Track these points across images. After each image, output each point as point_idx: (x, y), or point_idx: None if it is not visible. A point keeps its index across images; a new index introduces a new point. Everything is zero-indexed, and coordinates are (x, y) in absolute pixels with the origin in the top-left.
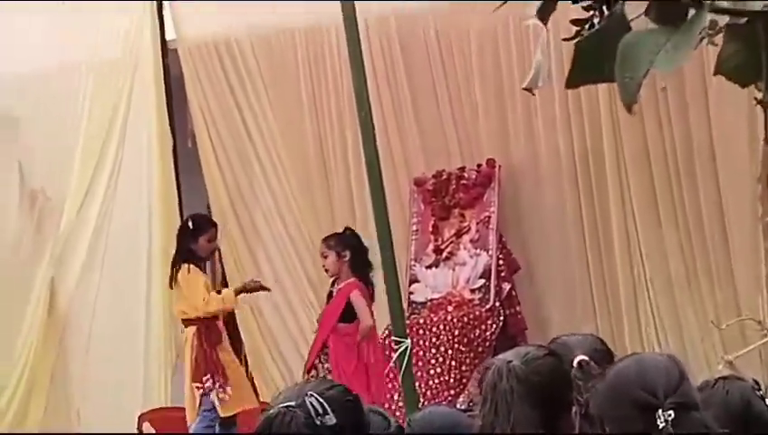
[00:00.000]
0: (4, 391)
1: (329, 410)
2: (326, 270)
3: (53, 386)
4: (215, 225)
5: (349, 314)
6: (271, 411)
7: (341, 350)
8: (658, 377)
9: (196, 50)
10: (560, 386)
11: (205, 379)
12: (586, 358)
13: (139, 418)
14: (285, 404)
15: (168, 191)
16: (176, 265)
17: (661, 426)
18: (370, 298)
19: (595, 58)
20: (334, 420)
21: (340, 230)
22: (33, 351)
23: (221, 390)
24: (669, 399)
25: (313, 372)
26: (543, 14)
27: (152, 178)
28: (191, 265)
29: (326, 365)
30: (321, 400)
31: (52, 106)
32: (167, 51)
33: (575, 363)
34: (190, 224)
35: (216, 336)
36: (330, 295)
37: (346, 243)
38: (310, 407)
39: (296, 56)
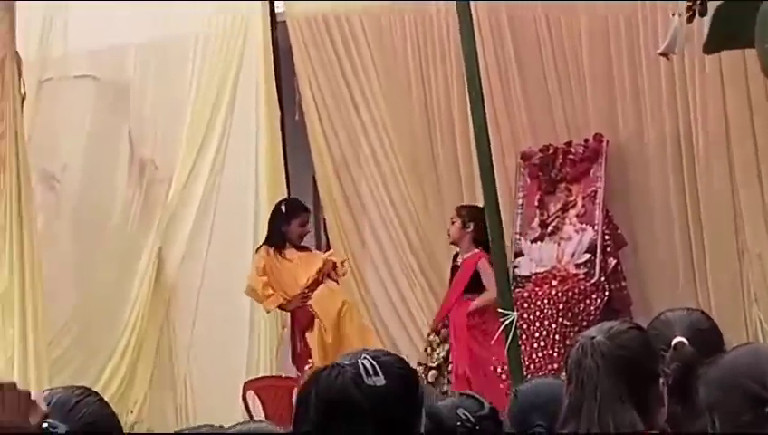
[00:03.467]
0: (112, 357)
1: (379, 371)
2: (448, 234)
3: (159, 355)
4: (307, 210)
5: (472, 286)
6: (319, 368)
7: (462, 320)
8: None
9: (305, 23)
10: (645, 358)
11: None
12: (683, 340)
13: (244, 386)
14: (335, 362)
15: (275, 163)
16: (269, 243)
17: None
18: None
19: (733, 24)
20: (384, 382)
21: (446, 205)
22: (141, 319)
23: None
24: None
25: (433, 337)
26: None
27: (260, 149)
28: (268, 248)
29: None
30: (374, 362)
31: (162, 76)
32: (276, 23)
33: (672, 345)
34: (283, 208)
35: (302, 321)
36: (454, 269)
37: (474, 215)
38: (361, 367)
39: (405, 31)
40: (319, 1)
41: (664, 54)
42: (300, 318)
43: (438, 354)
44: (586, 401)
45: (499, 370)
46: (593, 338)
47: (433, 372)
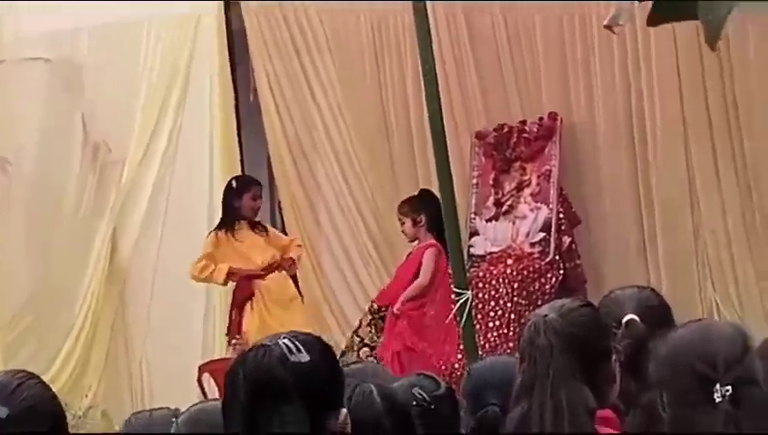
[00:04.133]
0: (66, 341)
1: (301, 348)
2: (405, 234)
3: (114, 338)
4: (258, 183)
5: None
6: (246, 351)
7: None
8: (720, 349)
9: (259, 6)
10: (597, 335)
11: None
12: (634, 317)
13: (200, 369)
14: (259, 344)
15: (230, 145)
16: (220, 226)
17: (719, 400)
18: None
19: None
20: (308, 358)
21: (401, 186)
22: (95, 302)
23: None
24: (729, 373)
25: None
26: None
27: (214, 131)
28: (218, 232)
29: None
30: (295, 341)
31: (115, 58)
32: (229, 4)
33: (623, 322)
34: (234, 183)
35: (241, 293)
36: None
37: (419, 207)
38: (283, 346)
39: (359, 14)
40: None
41: (608, 27)
42: (242, 288)
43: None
44: (538, 378)
45: (443, 366)
46: (545, 316)
47: (366, 349)
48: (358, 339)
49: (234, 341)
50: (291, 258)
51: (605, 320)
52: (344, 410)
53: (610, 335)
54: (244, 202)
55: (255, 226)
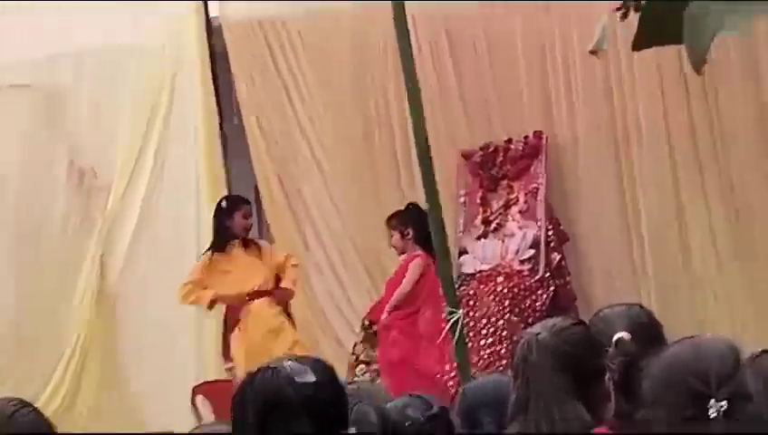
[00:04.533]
0: (58, 365)
1: (308, 370)
2: (394, 248)
3: (106, 360)
4: (247, 202)
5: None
6: (251, 371)
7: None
8: (713, 364)
9: (240, 27)
10: (590, 354)
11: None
12: (624, 335)
13: (193, 390)
14: (266, 366)
15: (215, 168)
16: (213, 248)
17: (713, 416)
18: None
19: (661, 21)
20: (314, 378)
21: (387, 205)
22: (85, 327)
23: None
24: (723, 388)
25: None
26: None
27: (199, 155)
28: (211, 255)
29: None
30: (299, 362)
31: (98, 83)
32: (211, 28)
33: (613, 340)
34: (224, 203)
35: (233, 319)
36: None
37: (407, 220)
38: (289, 368)
39: (341, 32)
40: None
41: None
42: (234, 313)
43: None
44: (533, 396)
45: (438, 374)
46: (538, 334)
47: (362, 366)
48: (353, 357)
49: (228, 365)
50: (289, 290)
51: (595, 338)
52: (353, 430)
53: (603, 353)
54: (236, 221)
55: (248, 244)
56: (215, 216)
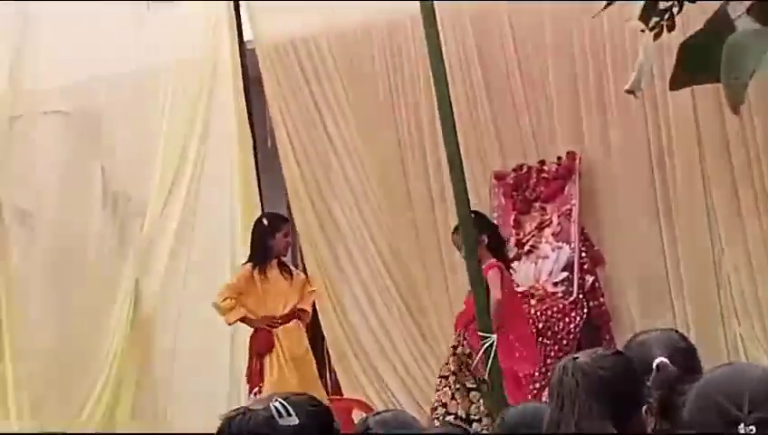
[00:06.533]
0: (92, 392)
1: (291, 411)
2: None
3: (140, 387)
4: (288, 220)
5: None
6: (231, 412)
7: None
8: (747, 389)
9: (273, 49)
10: (627, 383)
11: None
12: (665, 360)
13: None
14: (247, 407)
15: (249, 191)
16: (254, 264)
17: None
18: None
19: (700, 58)
20: (297, 421)
21: (420, 226)
22: (120, 352)
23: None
24: (754, 414)
25: (460, 349)
26: (646, 16)
27: (233, 178)
28: (252, 269)
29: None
30: (285, 403)
31: (133, 109)
32: (245, 51)
33: (654, 365)
34: (265, 221)
35: (260, 345)
36: None
37: (481, 228)
38: (273, 409)
39: (373, 53)
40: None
41: (630, 92)
42: (260, 339)
43: (452, 365)
44: (564, 416)
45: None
46: (576, 358)
47: (442, 380)
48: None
49: (256, 389)
50: (307, 312)
51: (636, 368)
52: None
53: (641, 385)
54: (278, 240)
55: (283, 267)
56: (256, 233)
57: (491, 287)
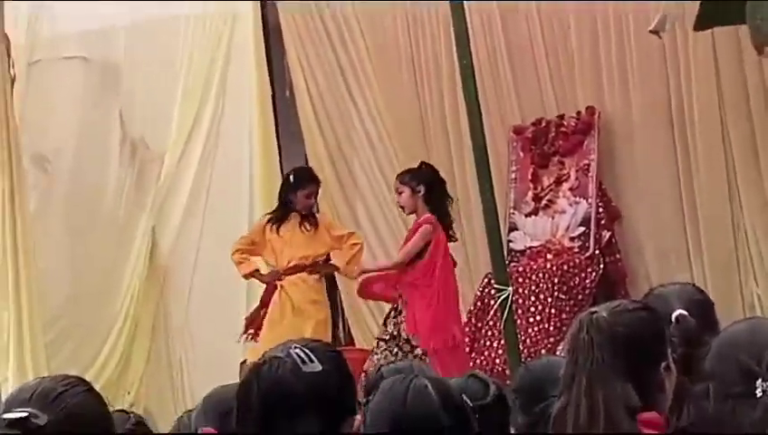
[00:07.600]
0: (108, 339)
1: (313, 358)
2: (402, 207)
3: (155, 335)
4: (315, 181)
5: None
6: (258, 360)
7: (410, 286)
8: (766, 345)
9: (295, 4)
10: (647, 339)
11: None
12: (684, 312)
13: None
14: (272, 355)
15: (268, 140)
16: (271, 217)
17: (759, 395)
18: (447, 232)
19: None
20: (320, 367)
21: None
22: (135, 300)
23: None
24: None
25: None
26: None
27: (252, 126)
28: (267, 222)
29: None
30: (306, 350)
31: (152, 56)
32: (265, 3)
33: (673, 318)
34: (291, 177)
35: (267, 296)
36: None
37: (420, 178)
38: (295, 356)
39: (395, 10)
40: None
41: (654, 32)
42: (270, 290)
43: (390, 327)
44: (577, 374)
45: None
46: (594, 313)
47: (381, 343)
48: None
49: (245, 335)
50: (333, 266)
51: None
52: (357, 418)
53: (663, 340)
54: (299, 198)
55: (305, 219)
56: (281, 186)
57: (407, 246)
